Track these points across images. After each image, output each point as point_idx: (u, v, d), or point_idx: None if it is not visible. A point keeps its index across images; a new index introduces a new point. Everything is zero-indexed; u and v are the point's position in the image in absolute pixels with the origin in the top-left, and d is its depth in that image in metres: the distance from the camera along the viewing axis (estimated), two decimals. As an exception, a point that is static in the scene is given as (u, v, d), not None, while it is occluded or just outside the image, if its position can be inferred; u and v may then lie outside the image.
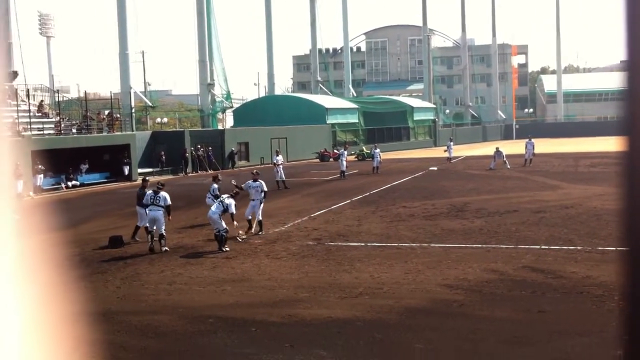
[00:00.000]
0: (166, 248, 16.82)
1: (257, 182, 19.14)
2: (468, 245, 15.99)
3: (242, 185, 19.15)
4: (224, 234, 16.54)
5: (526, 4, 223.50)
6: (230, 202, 17.05)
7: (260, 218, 18.94)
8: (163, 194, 17.32)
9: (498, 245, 15.80)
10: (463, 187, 29.90)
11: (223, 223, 16.58)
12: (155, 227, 17.00)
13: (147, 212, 17.26)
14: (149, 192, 17.71)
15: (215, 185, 20.23)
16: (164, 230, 17.02)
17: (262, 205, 19.01)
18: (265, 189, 19.39)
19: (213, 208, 17.03)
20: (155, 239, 16.92)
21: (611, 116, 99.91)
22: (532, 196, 25.15)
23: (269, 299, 11.83)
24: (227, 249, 16.46)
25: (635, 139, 1.09)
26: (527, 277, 12.53)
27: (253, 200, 18.93)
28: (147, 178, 20.95)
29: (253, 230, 18.66)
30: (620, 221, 1.12)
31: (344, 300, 11.46)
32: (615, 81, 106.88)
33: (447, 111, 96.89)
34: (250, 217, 18.88)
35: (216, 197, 18.66)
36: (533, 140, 42.53)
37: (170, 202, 17.41)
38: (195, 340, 9.73)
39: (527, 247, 15.42)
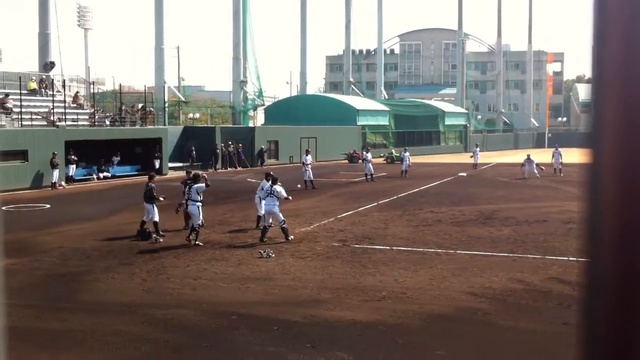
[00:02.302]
0: (198, 242, 17.01)
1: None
2: (495, 254, 15.85)
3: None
4: (284, 225, 17.48)
5: (564, 11, 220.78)
6: (281, 189, 17.91)
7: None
8: (194, 186, 17.68)
9: (525, 255, 15.64)
10: (492, 194, 29.64)
11: (281, 214, 17.57)
12: (193, 222, 17.39)
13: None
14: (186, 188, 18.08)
15: (268, 184, 19.04)
16: (197, 224, 17.25)
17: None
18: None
19: (268, 202, 17.64)
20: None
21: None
22: (562, 206, 24.82)
23: (292, 298, 11.86)
24: (292, 237, 17.48)
25: (599, 151, 1.13)
26: (553, 289, 12.38)
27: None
28: (154, 174, 20.89)
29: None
30: (583, 233, 1.15)
31: (367, 303, 11.44)
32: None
33: (479, 117, 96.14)
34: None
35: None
36: (560, 149, 42.00)
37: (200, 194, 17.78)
38: (217, 336, 9.80)
39: (554, 258, 15.23)
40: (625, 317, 1.12)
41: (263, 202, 19.24)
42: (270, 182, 18.25)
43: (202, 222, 17.61)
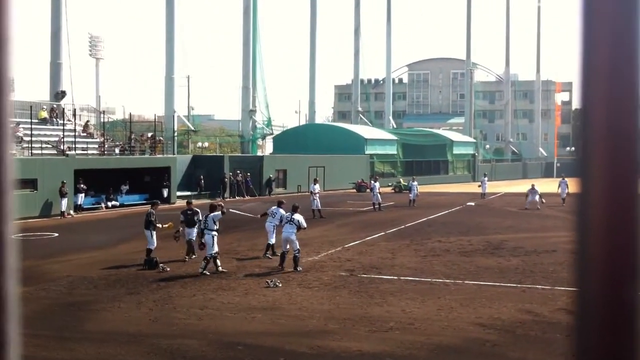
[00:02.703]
0: (205, 271, 17.00)
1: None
2: (503, 284, 15.73)
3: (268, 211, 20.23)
4: (298, 254, 17.57)
5: (572, 40, 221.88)
6: (300, 217, 18.09)
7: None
8: (212, 215, 17.76)
9: (534, 286, 15.51)
10: (500, 224, 29.52)
11: (297, 243, 17.66)
12: (209, 251, 17.43)
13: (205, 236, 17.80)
14: (203, 216, 18.18)
15: (282, 211, 19.41)
16: (210, 254, 17.32)
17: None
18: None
19: (287, 229, 17.82)
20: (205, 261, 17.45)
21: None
22: (571, 236, 24.66)
23: (298, 328, 11.79)
24: (301, 268, 17.39)
25: (588, 181, 1.14)
26: (562, 320, 12.26)
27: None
28: (157, 202, 20.88)
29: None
30: (574, 263, 1.16)
31: (374, 334, 11.35)
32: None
33: (487, 146, 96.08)
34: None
35: (280, 220, 19.23)
36: (567, 179, 41.91)
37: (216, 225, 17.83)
38: (223, 367, 9.72)
39: (564, 288, 15.09)
40: (614, 345, 1.12)
41: (275, 230, 19.40)
42: (291, 210, 18.46)
43: (216, 251, 17.53)
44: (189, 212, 19.71)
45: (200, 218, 19.06)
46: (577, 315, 1.17)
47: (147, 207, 20.81)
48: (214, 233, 17.49)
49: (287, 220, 18.05)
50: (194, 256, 19.15)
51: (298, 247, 17.77)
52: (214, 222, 17.62)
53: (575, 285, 1.16)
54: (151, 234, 18.48)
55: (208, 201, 43.56)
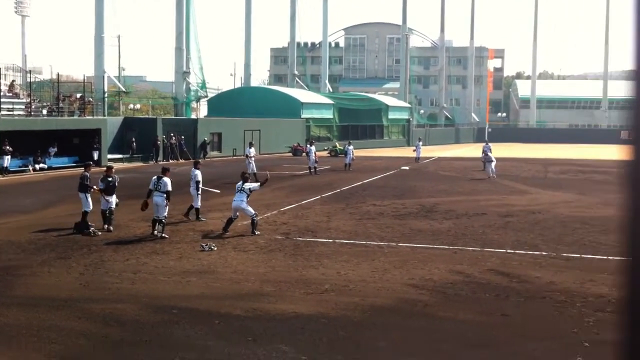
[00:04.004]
0: (164, 234, 16.78)
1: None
2: (435, 246, 16.08)
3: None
4: (255, 218, 17.59)
5: (505, 8, 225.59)
6: (252, 185, 18.22)
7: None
8: (165, 179, 17.42)
9: (465, 248, 15.92)
10: (433, 188, 30.07)
11: (251, 208, 17.65)
12: (158, 214, 17.09)
13: (152, 198, 17.34)
14: (154, 177, 17.78)
15: (197, 171, 20.11)
16: (164, 216, 17.10)
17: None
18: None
19: (237, 197, 17.69)
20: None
21: (582, 124, 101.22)
22: (501, 200, 25.39)
23: (234, 292, 11.77)
24: (259, 232, 17.35)
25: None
26: (491, 280, 12.64)
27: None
28: (90, 163, 20.32)
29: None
30: (623, 231, 1.10)
31: (309, 296, 11.45)
32: (587, 89, 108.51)
33: (422, 111, 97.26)
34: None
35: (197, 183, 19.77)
36: (490, 144, 43.39)
37: (170, 188, 17.46)
38: (157, 330, 9.64)
39: (493, 250, 15.56)
40: None
41: (198, 194, 19.70)
42: (241, 179, 18.28)
43: (165, 215, 17.28)
44: (109, 179, 18.29)
45: (116, 184, 18.40)
46: (629, 284, 1.10)
47: (77, 171, 20.22)
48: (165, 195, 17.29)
49: (238, 190, 17.95)
50: (110, 228, 17.86)
51: (253, 212, 17.72)
52: (167, 186, 17.34)
53: (626, 254, 1.08)
54: (86, 196, 18.09)
55: (140, 164, 42.86)
